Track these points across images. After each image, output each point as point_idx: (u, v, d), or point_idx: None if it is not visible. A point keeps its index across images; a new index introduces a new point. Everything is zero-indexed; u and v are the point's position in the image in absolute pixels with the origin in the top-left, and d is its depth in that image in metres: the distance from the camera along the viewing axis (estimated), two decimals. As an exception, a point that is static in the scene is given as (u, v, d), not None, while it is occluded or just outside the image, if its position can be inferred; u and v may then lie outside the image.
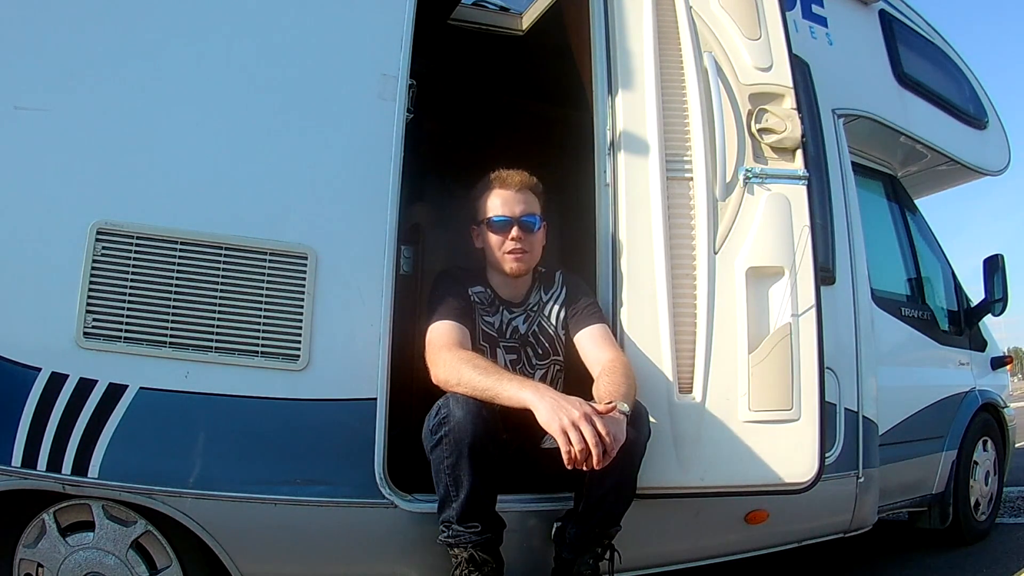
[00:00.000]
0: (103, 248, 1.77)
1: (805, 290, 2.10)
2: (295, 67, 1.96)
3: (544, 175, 2.27)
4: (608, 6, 2.25)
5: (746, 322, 2.07)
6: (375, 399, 1.87)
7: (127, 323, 1.77)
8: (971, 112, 3.76)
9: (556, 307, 2.21)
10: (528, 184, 2.17)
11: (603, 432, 1.64)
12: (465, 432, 1.71)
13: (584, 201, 2.36)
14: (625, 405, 1.76)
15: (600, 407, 1.71)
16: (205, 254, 1.82)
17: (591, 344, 2.05)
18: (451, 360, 1.85)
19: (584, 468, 1.66)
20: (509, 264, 2.13)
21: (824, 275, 2.41)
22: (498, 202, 2.14)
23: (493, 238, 2.14)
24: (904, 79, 3.33)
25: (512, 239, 2.11)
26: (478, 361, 1.85)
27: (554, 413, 1.67)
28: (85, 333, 1.74)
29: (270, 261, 1.86)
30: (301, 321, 1.85)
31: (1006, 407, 3.95)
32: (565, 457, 1.65)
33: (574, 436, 1.63)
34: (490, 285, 2.20)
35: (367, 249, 1.93)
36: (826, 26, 2.98)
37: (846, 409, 2.59)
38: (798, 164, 2.18)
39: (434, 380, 1.87)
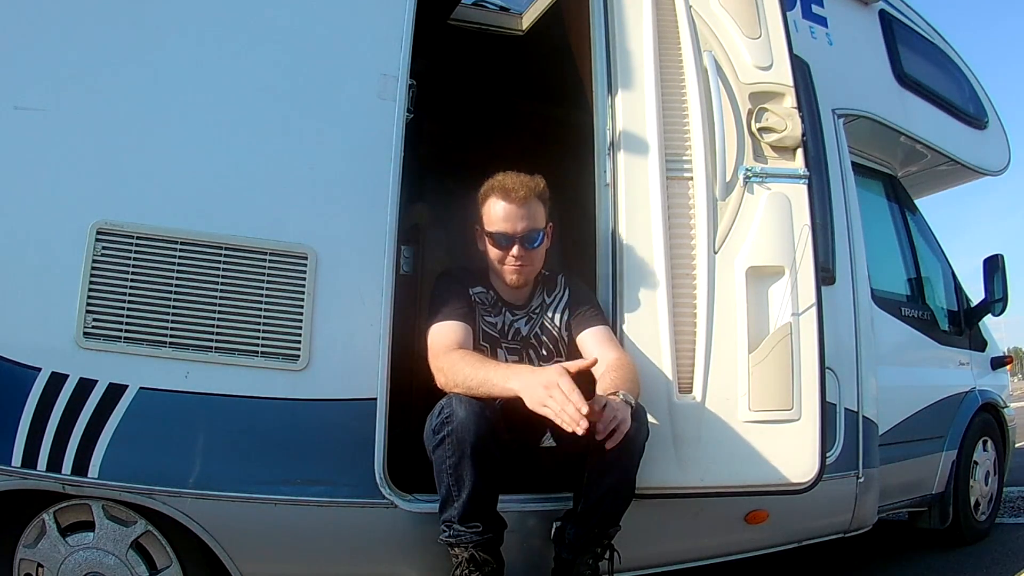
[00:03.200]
0: (103, 248, 1.77)
1: (805, 290, 2.10)
2: (295, 67, 1.96)
3: (544, 175, 2.26)
4: (608, 6, 2.25)
5: (746, 322, 2.07)
6: (375, 399, 1.87)
7: (127, 323, 1.76)
8: (971, 112, 3.76)
9: (558, 310, 2.20)
10: (533, 193, 2.09)
11: (574, 391, 1.62)
12: (468, 432, 1.70)
13: (584, 201, 2.36)
14: (630, 396, 1.77)
15: (575, 366, 1.71)
16: (205, 254, 1.82)
17: (595, 345, 2.05)
18: (449, 362, 1.85)
19: (580, 431, 1.61)
20: (510, 276, 2.12)
21: (824, 275, 2.41)
22: (501, 215, 2.07)
23: (494, 251, 2.11)
24: (904, 79, 3.33)
25: (513, 256, 2.09)
26: (472, 358, 1.84)
27: (532, 391, 1.66)
28: (85, 333, 1.74)
29: (270, 261, 1.86)
30: (301, 321, 1.85)
31: (1006, 407, 3.94)
32: (558, 422, 1.63)
33: (553, 402, 1.62)
34: (492, 287, 2.19)
35: (367, 249, 1.93)
36: (826, 26, 2.98)
37: (846, 409, 2.59)
38: (798, 163, 2.18)
39: (439, 386, 1.86)
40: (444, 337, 1.94)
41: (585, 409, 1.61)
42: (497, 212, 2.08)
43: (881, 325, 2.95)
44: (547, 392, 1.65)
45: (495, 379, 1.75)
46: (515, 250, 2.08)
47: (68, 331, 1.73)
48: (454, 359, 1.85)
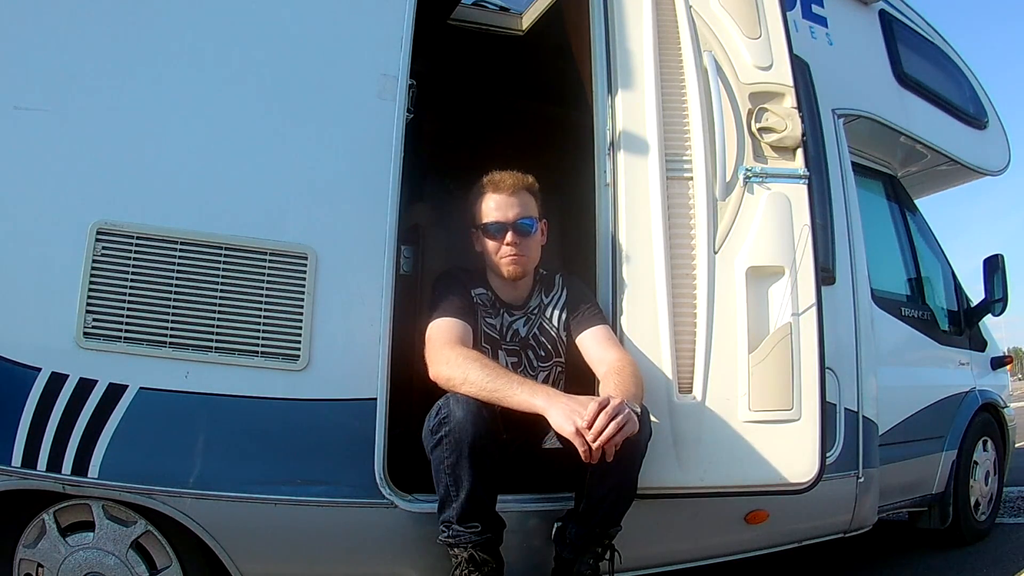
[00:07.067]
0: (103, 248, 1.77)
1: (805, 290, 2.09)
2: (295, 67, 1.96)
3: (544, 175, 2.27)
4: (608, 6, 2.25)
5: (746, 322, 2.07)
6: (375, 399, 1.87)
7: (127, 323, 1.77)
8: (971, 112, 3.75)
9: (557, 309, 2.21)
10: (522, 185, 2.15)
11: (616, 424, 1.64)
12: (465, 432, 1.70)
13: (584, 201, 2.36)
14: (636, 405, 1.77)
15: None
16: (205, 254, 1.82)
17: (595, 345, 2.05)
18: (456, 358, 1.84)
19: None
20: (506, 268, 2.13)
21: (824, 275, 2.41)
22: (492, 206, 2.12)
23: (489, 243, 2.13)
24: (904, 79, 3.32)
25: (507, 244, 2.10)
26: (485, 361, 1.84)
27: (567, 417, 1.67)
28: (85, 333, 1.74)
29: (270, 261, 1.86)
30: (301, 321, 1.85)
31: (1006, 407, 3.94)
32: (583, 456, 1.66)
33: (590, 436, 1.64)
34: (491, 287, 2.19)
35: (367, 249, 1.93)
36: (826, 26, 2.98)
37: (846, 409, 2.59)
38: (798, 163, 2.18)
39: (433, 376, 1.86)
40: (445, 332, 1.94)
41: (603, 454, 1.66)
42: (489, 204, 2.13)
43: (881, 325, 2.95)
44: (589, 424, 1.65)
45: (518, 393, 1.75)
46: (509, 237, 2.10)
47: (68, 331, 1.73)
48: (465, 356, 1.84)
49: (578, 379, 2.14)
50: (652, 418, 1.92)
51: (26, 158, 1.78)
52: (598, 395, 1.83)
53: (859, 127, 3.09)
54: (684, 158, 2.16)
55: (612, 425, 1.64)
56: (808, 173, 2.17)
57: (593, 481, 1.81)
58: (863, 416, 2.65)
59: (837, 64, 2.95)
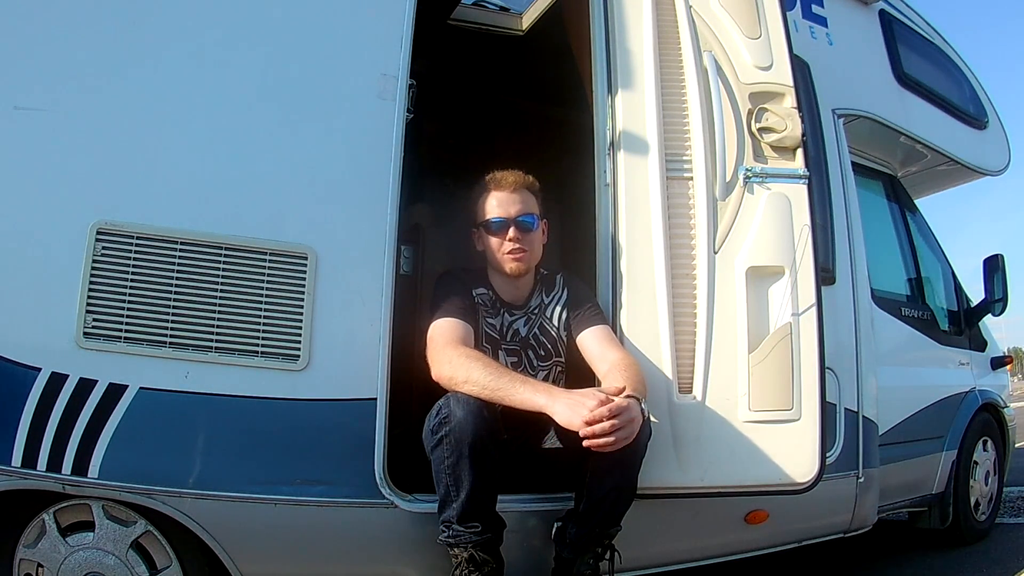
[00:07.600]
0: (103, 248, 1.77)
1: (805, 290, 2.10)
2: (295, 67, 1.96)
3: (544, 175, 2.27)
4: (608, 6, 2.25)
5: (746, 322, 2.07)
6: (375, 399, 1.87)
7: (127, 323, 1.77)
8: (971, 112, 3.76)
9: (558, 309, 2.21)
10: (523, 183, 2.17)
11: (621, 414, 1.67)
12: (466, 432, 1.71)
13: (584, 201, 2.36)
14: (643, 402, 1.78)
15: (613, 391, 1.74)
16: (205, 254, 1.82)
17: (596, 345, 2.05)
18: (458, 358, 1.84)
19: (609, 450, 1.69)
20: (509, 264, 2.13)
21: (824, 275, 2.41)
22: (494, 203, 2.14)
23: (492, 240, 2.14)
24: (904, 79, 3.33)
25: (510, 239, 2.11)
26: (487, 361, 1.85)
27: (573, 411, 1.68)
28: (85, 333, 1.74)
29: (270, 261, 1.86)
30: (301, 321, 1.85)
31: (1006, 407, 3.95)
32: (594, 447, 1.67)
33: (597, 427, 1.66)
34: (492, 287, 2.19)
35: (367, 249, 1.93)
36: (826, 26, 2.99)
37: (846, 409, 2.59)
38: (798, 163, 2.18)
39: (435, 377, 1.86)
40: (447, 332, 1.94)
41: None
42: (491, 202, 2.15)
43: (881, 325, 2.95)
44: (592, 412, 1.67)
45: (520, 391, 1.76)
46: (511, 232, 2.11)
47: (68, 331, 1.73)
48: (468, 356, 1.85)
49: (578, 379, 2.14)
50: (652, 418, 1.92)
51: (26, 158, 1.78)
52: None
53: (859, 127, 3.09)
54: (684, 158, 2.16)
55: (608, 424, 1.66)
56: (808, 173, 2.17)
57: (593, 481, 1.81)
58: (863, 416, 2.65)
59: (837, 64, 2.95)
